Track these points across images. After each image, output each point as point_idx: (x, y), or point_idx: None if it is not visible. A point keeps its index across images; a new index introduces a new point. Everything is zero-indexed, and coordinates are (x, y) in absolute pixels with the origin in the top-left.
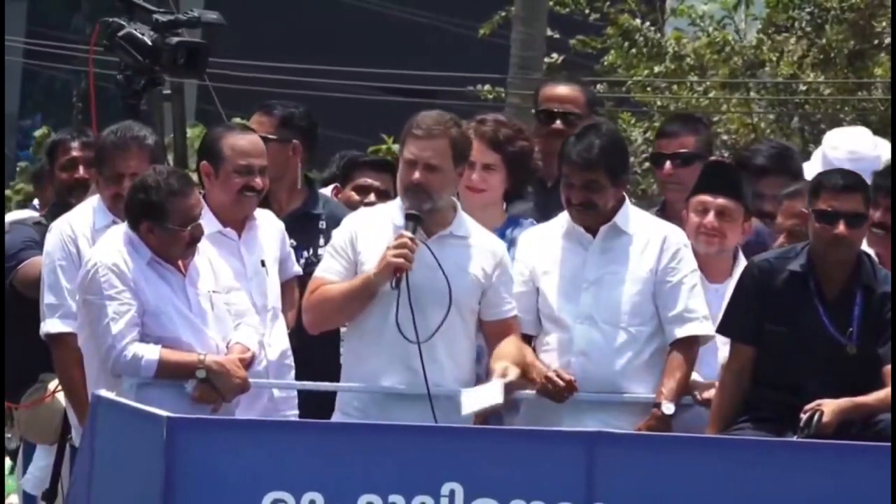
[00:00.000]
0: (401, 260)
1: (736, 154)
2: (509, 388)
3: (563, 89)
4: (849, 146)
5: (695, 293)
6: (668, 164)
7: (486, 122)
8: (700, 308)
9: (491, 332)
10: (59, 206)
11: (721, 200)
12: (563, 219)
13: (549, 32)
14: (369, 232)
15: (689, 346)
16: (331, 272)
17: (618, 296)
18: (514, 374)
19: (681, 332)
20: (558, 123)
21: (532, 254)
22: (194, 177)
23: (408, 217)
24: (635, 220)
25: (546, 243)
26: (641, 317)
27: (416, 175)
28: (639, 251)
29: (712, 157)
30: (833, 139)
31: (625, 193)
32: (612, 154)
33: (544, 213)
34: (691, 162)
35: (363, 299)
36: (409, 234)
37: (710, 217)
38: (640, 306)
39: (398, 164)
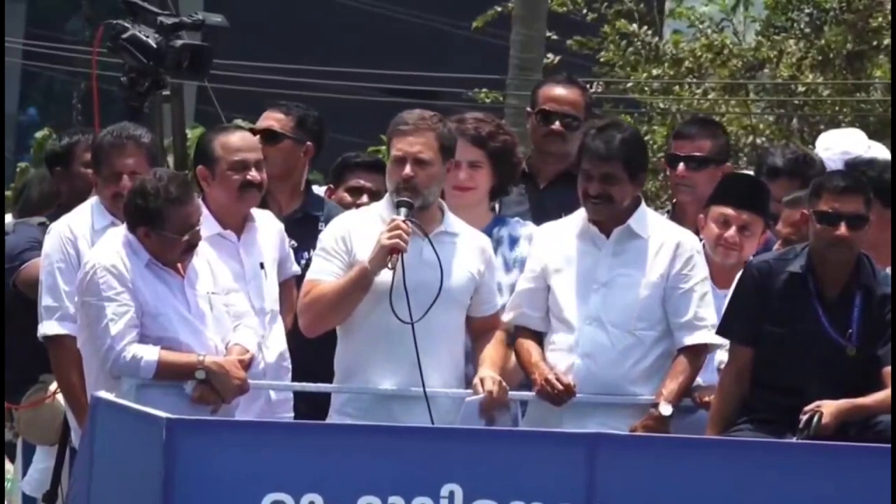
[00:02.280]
0: (395, 241)
1: (759, 155)
2: (497, 401)
3: (563, 91)
4: (841, 147)
5: (705, 301)
6: (681, 165)
7: (467, 120)
8: (710, 317)
9: (478, 328)
10: (63, 207)
11: (745, 216)
12: (578, 217)
13: (548, 33)
14: (361, 232)
15: (696, 354)
16: (326, 273)
17: (627, 299)
18: (490, 384)
19: (689, 339)
20: (557, 125)
21: (545, 251)
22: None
23: (399, 204)
24: (650, 223)
25: (560, 241)
26: (649, 321)
27: (408, 170)
28: (651, 255)
29: (729, 166)
30: (826, 140)
31: (640, 195)
32: (632, 148)
33: (538, 215)
34: (705, 166)
35: (359, 291)
36: (401, 217)
37: (732, 231)
38: (648, 310)
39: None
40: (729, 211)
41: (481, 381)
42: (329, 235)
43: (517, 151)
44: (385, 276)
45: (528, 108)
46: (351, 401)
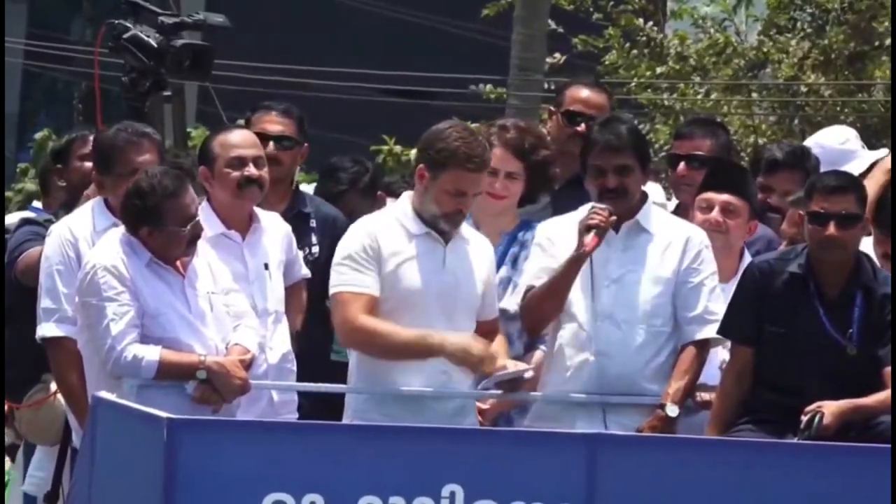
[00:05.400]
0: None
1: (754, 153)
2: (514, 387)
3: (592, 94)
4: (816, 138)
5: (714, 296)
6: (682, 164)
7: (509, 129)
8: (720, 311)
9: (482, 332)
10: (68, 206)
11: (725, 196)
12: (584, 213)
13: (552, 26)
14: (386, 236)
15: (702, 349)
16: (362, 286)
17: (639, 295)
18: (530, 374)
19: (700, 334)
20: (583, 127)
21: (551, 245)
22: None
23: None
24: (657, 219)
25: (568, 237)
26: (663, 317)
27: (469, 206)
28: (661, 251)
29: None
30: (811, 139)
31: (646, 190)
32: (639, 138)
33: (551, 216)
34: (706, 165)
35: (421, 357)
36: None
37: (715, 213)
38: (661, 307)
39: (420, 171)
40: (710, 195)
41: (503, 366)
42: (354, 243)
43: (554, 166)
44: (414, 282)
45: (552, 108)
46: (378, 405)
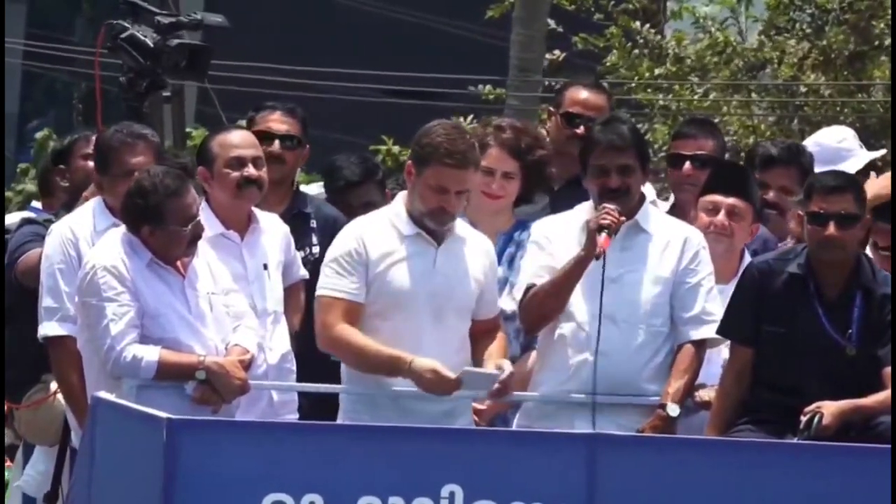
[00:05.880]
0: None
1: (749, 150)
2: (505, 387)
3: (591, 95)
4: (815, 137)
5: (712, 296)
6: (687, 164)
7: (506, 129)
8: (717, 311)
9: (480, 329)
10: (69, 206)
11: (732, 200)
12: (581, 213)
13: (552, 25)
14: (377, 243)
15: (700, 349)
16: (342, 292)
17: (639, 295)
18: (509, 368)
19: (696, 334)
20: (581, 129)
21: (549, 244)
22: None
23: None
24: (655, 219)
25: (565, 236)
26: (662, 317)
27: (452, 204)
28: (659, 251)
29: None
30: (811, 137)
31: (643, 191)
32: (640, 138)
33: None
34: (710, 165)
35: (390, 376)
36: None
37: (721, 216)
38: (660, 307)
39: (408, 167)
40: (717, 197)
41: (498, 366)
42: (341, 247)
43: (551, 165)
44: (403, 284)
45: (552, 108)
46: (368, 407)
